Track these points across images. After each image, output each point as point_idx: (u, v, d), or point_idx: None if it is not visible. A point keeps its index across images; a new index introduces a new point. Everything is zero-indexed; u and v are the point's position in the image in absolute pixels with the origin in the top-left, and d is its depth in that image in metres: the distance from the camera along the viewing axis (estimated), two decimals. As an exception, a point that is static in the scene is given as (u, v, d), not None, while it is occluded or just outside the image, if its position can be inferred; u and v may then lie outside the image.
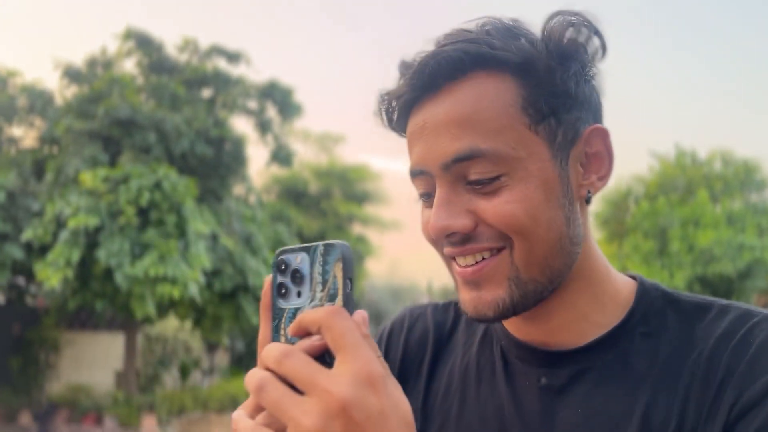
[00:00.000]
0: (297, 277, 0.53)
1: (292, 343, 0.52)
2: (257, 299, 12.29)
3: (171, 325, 14.90)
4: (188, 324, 13.32)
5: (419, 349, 0.83)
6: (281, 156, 13.42)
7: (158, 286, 9.93)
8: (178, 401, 12.43)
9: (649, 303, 0.70)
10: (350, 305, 0.52)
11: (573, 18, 0.66)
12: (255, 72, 23.10)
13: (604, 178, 0.69)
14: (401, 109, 0.68)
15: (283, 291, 0.54)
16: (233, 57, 13.23)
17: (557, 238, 0.65)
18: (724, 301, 0.68)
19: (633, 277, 0.74)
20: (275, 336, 0.54)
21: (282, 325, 0.54)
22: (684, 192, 18.25)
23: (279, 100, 13.08)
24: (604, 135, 0.68)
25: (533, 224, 0.63)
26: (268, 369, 0.50)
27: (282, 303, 0.54)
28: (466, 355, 0.79)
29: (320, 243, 0.53)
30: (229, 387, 14.07)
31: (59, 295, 10.77)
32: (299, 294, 0.53)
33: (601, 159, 0.68)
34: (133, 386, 12.39)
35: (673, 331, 0.67)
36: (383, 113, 0.70)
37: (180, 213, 10.39)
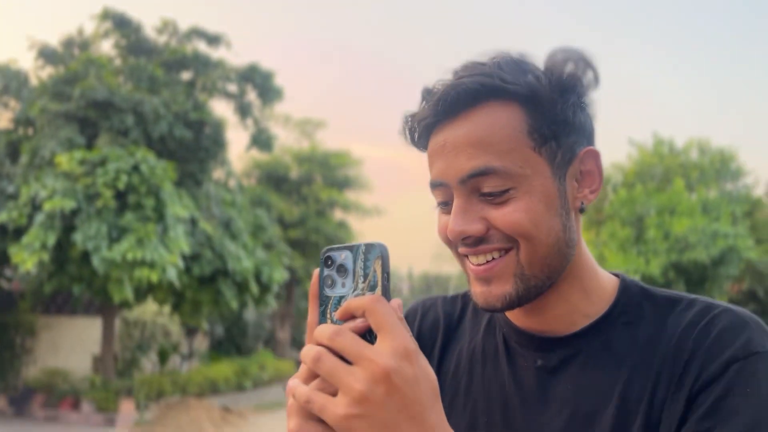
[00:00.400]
0: (342, 270, 0.64)
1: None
2: (236, 284, 12.25)
3: (149, 309, 14.81)
4: (167, 308, 13.25)
5: (431, 335, 0.95)
6: (261, 140, 13.33)
7: (136, 270, 9.85)
8: (157, 385, 12.39)
9: (630, 297, 0.82)
10: (387, 294, 0.62)
11: (571, 54, 0.78)
12: (235, 55, 22.87)
13: (595, 191, 0.81)
14: (424, 130, 0.78)
15: (330, 282, 0.64)
16: (213, 40, 13.08)
17: (555, 242, 0.76)
18: (691, 296, 0.80)
19: (616, 275, 0.86)
20: (322, 319, 0.64)
21: (328, 310, 0.64)
22: (661, 180, 18.48)
23: (259, 83, 12.97)
24: (596, 156, 0.80)
25: (536, 230, 0.75)
26: (321, 344, 0.60)
27: (328, 292, 0.64)
28: (472, 341, 0.91)
29: (362, 243, 0.63)
30: (208, 371, 14.04)
31: (35, 278, 10.65)
32: (343, 285, 0.63)
33: (593, 176, 0.80)
34: (111, 371, 12.32)
35: (649, 320, 0.79)
36: (407, 132, 0.80)
37: (158, 196, 10.30)
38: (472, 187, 0.75)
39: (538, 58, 0.78)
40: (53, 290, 11.05)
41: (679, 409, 0.72)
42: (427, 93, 0.78)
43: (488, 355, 0.87)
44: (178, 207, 10.49)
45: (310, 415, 0.60)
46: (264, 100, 13.23)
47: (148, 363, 14.89)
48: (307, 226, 18.04)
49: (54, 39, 14.41)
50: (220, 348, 17.39)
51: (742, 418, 0.68)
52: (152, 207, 10.23)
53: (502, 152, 0.74)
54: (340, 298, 0.63)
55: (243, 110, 13.11)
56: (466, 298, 0.95)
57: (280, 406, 15.38)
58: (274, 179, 18.18)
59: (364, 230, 20.57)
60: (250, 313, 17.85)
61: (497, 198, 0.74)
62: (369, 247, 0.62)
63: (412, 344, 0.59)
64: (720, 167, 19.43)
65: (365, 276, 0.62)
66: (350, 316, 0.61)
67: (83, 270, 10.23)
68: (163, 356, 14.38)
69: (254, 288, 12.40)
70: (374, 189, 21.02)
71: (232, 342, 17.88)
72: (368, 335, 0.61)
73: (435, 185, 0.78)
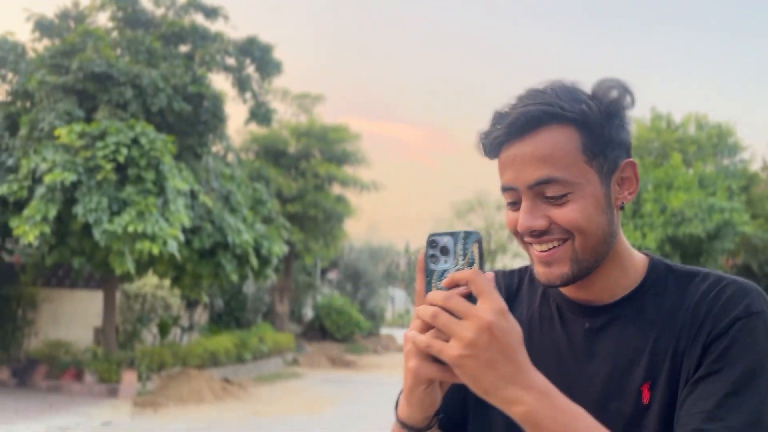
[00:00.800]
0: (444, 251, 0.83)
1: None
2: (236, 257, 12.33)
3: (150, 282, 14.92)
4: (167, 281, 13.35)
5: None
6: (260, 114, 13.31)
7: (137, 243, 9.91)
8: (158, 357, 12.54)
9: (657, 272, 1.03)
10: (483, 269, 0.81)
11: (613, 83, 0.98)
12: (233, 28, 22.65)
13: (632, 193, 1.02)
14: (496, 145, 0.98)
15: (434, 260, 0.84)
16: (211, 12, 12.98)
17: (602, 234, 0.96)
18: (705, 270, 1.02)
19: (646, 254, 1.07)
20: (429, 287, 0.83)
21: (434, 281, 0.83)
22: (658, 155, 18.52)
23: (258, 57, 12.91)
24: (633, 165, 1.01)
25: (588, 225, 0.95)
26: (435, 305, 0.80)
27: (433, 267, 0.84)
28: (530, 309, 1.11)
29: (462, 230, 0.83)
30: (208, 344, 14.19)
31: (36, 251, 10.71)
32: (445, 261, 0.83)
33: (631, 181, 1.01)
34: (112, 342, 12.45)
35: (672, 290, 1.00)
36: (482, 146, 1.00)
37: (158, 170, 10.33)
38: (537, 192, 0.95)
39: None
40: (54, 263, 11.12)
41: (696, 356, 0.93)
42: (500, 116, 0.98)
43: (545, 321, 1.08)
44: (178, 180, 10.52)
45: (426, 356, 0.82)
46: (262, 73, 13.17)
47: (149, 335, 15.04)
48: (305, 201, 18.09)
49: (50, 11, 14.24)
50: (220, 321, 17.56)
51: (744, 362, 0.89)
52: (152, 180, 10.26)
53: (562, 165, 0.94)
54: (443, 272, 0.83)
55: (242, 84, 13.07)
56: (521, 273, 1.16)
57: (279, 377, 15.59)
58: (273, 154, 18.17)
59: (362, 205, 20.62)
60: (249, 287, 17.99)
61: (557, 201, 0.95)
62: (468, 233, 0.83)
63: (504, 305, 0.80)
64: (717, 142, 19.47)
65: (464, 255, 0.82)
66: (455, 285, 0.82)
67: (84, 243, 10.29)
68: (163, 328, 14.52)
69: (254, 261, 12.49)
70: (372, 164, 21.05)
71: (231, 315, 18.05)
72: (469, 299, 0.80)
73: (506, 189, 0.98)
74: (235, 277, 12.38)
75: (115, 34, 12.57)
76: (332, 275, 25.93)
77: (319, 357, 19.13)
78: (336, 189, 19.67)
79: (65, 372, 11.96)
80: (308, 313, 22.99)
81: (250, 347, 15.45)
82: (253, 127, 15.24)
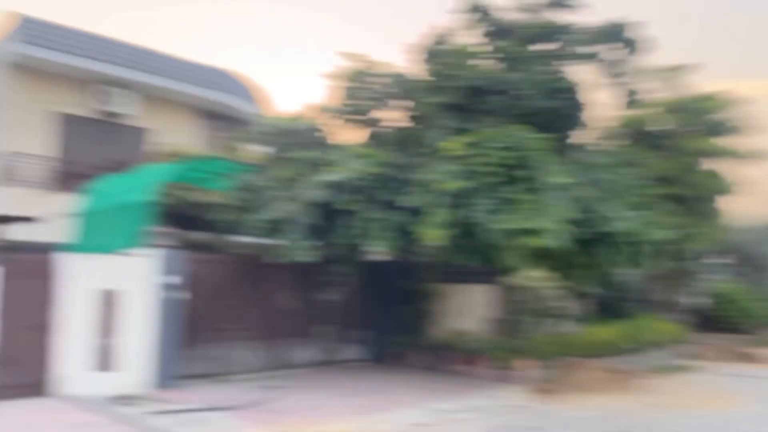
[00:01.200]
0: None
1: None
2: (617, 246, 12.07)
3: (533, 274, 15.62)
4: (550, 273, 13.81)
5: None
6: (629, 97, 12.84)
7: (524, 239, 10.50)
8: (548, 346, 13.06)
9: None
10: None
11: None
12: (595, 14, 22.40)
13: None
14: None
15: None
16: (569, 5, 13.03)
17: None
18: None
19: None
20: None
21: None
22: None
23: (622, 39, 12.49)
24: None
25: None
26: None
27: None
28: None
29: None
30: (594, 333, 14.24)
31: (437, 251, 12.15)
32: None
33: None
34: (505, 332, 13.41)
35: None
36: None
37: (537, 168, 10.79)
38: None
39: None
40: (453, 261, 12.48)
41: None
42: None
43: None
44: (556, 175, 10.83)
45: None
46: (629, 55, 12.70)
47: (535, 325, 15.73)
48: (682, 181, 16.73)
49: (415, 39, 15.75)
50: (603, 311, 17.40)
51: None
52: (532, 178, 10.76)
53: None
54: None
55: (607, 70, 12.81)
56: None
57: (672, 369, 14.78)
58: (645, 136, 17.24)
59: (751, 179, 18.20)
60: (630, 275, 17.46)
61: None
62: None
63: None
64: None
65: None
66: None
67: (477, 242, 11.30)
68: (548, 319, 15.05)
69: (635, 249, 12.09)
70: (759, 130, 18.34)
71: (614, 305, 17.74)
72: None
73: None
74: (617, 267, 12.16)
75: (483, 47, 13.53)
76: (721, 259, 23.44)
77: (712, 349, 17.57)
78: (716, 164, 17.70)
79: (470, 358, 13.34)
80: (694, 302, 21.23)
81: (638, 337, 14.99)
82: (623, 111, 14.76)
